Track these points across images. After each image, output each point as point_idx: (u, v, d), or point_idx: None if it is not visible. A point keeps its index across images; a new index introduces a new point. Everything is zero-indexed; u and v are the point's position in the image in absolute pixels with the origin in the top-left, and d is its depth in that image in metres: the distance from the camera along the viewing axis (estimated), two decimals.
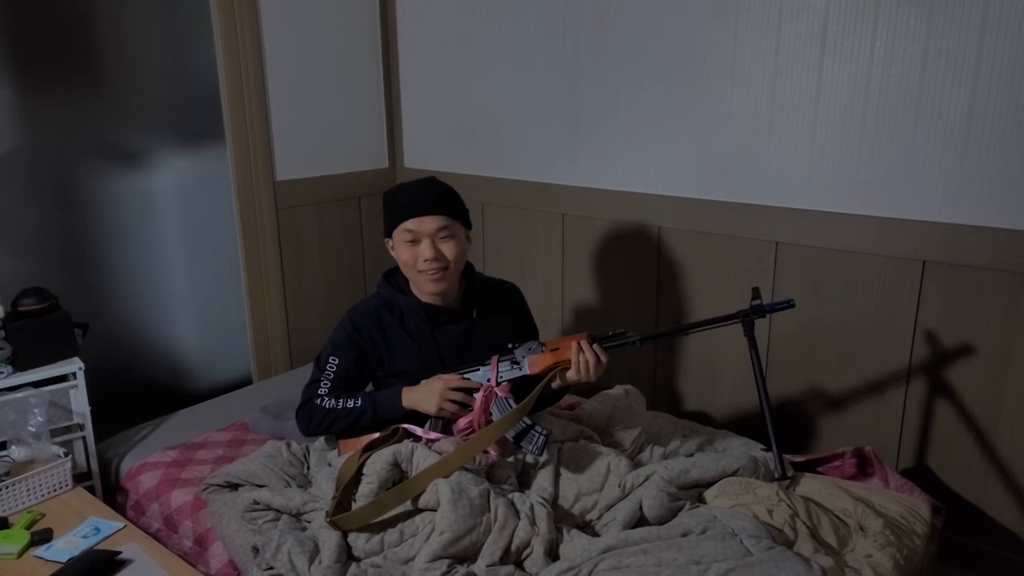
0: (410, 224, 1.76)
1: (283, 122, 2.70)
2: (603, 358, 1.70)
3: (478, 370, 1.77)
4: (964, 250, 1.89)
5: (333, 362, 1.82)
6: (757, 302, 1.74)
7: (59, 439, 2.03)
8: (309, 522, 1.69)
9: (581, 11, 2.41)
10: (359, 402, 1.79)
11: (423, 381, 1.77)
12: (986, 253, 1.87)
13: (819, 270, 2.13)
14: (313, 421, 1.81)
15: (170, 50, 2.53)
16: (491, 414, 1.69)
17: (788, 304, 1.74)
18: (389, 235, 1.83)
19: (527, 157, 2.67)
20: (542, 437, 1.65)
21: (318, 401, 1.80)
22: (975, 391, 1.96)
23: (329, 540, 1.56)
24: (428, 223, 1.75)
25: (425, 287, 1.81)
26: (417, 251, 1.76)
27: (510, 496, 1.62)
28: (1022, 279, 1.84)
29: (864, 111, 1.97)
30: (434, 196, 1.78)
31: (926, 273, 1.97)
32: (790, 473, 1.75)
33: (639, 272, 2.48)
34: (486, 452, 1.71)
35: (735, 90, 2.16)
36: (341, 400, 1.79)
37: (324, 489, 1.78)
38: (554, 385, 1.75)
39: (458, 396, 1.72)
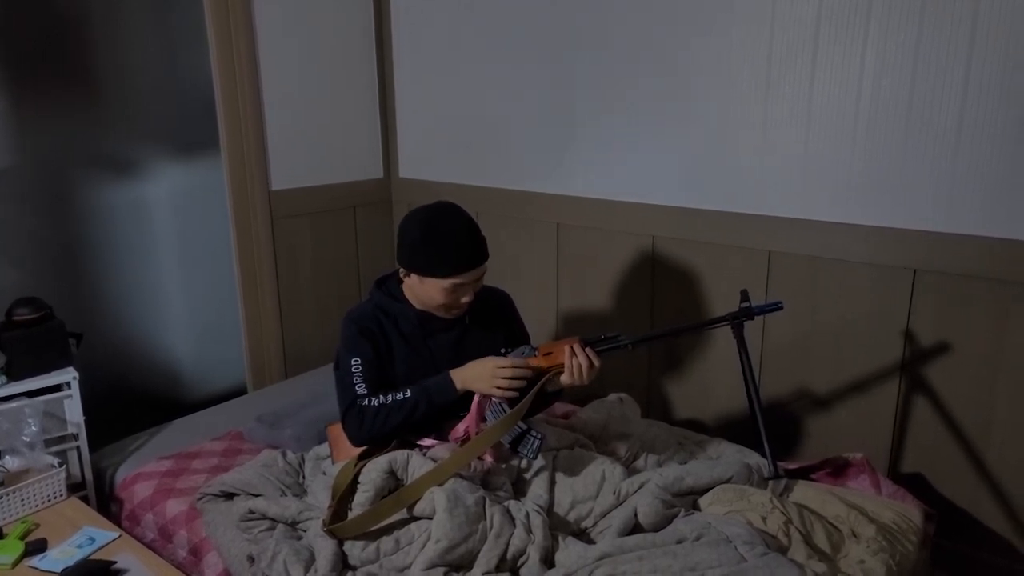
0: (461, 279, 1.74)
1: (278, 132, 2.71)
2: (596, 362, 1.71)
3: None
4: (954, 259, 1.91)
5: (356, 363, 1.76)
6: (746, 304, 1.76)
7: (53, 449, 2.03)
8: (305, 531, 1.69)
9: (575, 23, 2.43)
10: (408, 393, 1.72)
11: (470, 363, 1.74)
12: (976, 262, 1.89)
13: (811, 278, 2.15)
14: (365, 424, 1.72)
15: (165, 60, 2.54)
16: (485, 419, 1.70)
17: (776, 306, 1.76)
18: (415, 272, 1.77)
19: (521, 167, 2.68)
20: (537, 441, 1.66)
21: (364, 402, 1.72)
22: (966, 398, 1.98)
23: (325, 549, 1.56)
24: (476, 273, 1.77)
25: (449, 316, 1.83)
26: (457, 295, 1.77)
27: (506, 504, 1.63)
28: (1012, 287, 1.86)
29: (855, 121, 1.99)
30: (482, 248, 1.78)
31: (917, 281, 1.99)
32: (781, 472, 1.77)
33: (633, 281, 2.50)
34: (481, 458, 1.71)
35: (728, 100, 2.18)
36: (389, 395, 1.73)
37: (320, 498, 1.78)
38: (548, 389, 1.75)
39: (508, 373, 1.68)
